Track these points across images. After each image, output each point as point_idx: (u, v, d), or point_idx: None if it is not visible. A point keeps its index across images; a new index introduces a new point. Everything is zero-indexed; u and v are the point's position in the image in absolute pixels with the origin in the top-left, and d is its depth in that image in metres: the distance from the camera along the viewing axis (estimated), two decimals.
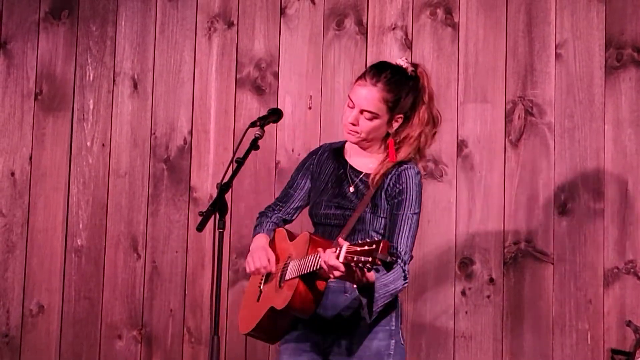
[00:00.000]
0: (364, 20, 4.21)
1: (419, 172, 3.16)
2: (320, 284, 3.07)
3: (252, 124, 3.21)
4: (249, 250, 3.26)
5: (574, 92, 3.97)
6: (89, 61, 4.53)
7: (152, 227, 4.36)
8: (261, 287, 3.26)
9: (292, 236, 3.25)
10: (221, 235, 2.99)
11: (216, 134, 4.34)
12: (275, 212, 3.36)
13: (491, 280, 3.98)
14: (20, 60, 4.60)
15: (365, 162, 3.22)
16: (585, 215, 3.92)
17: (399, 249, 3.07)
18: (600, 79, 3.96)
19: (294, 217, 3.38)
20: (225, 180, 3.10)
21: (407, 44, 4.15)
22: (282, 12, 4.31)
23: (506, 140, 4.02)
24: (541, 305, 3.92)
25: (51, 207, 4.49)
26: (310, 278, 3.05)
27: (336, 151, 3.29)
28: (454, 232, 4.03)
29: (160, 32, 4.46)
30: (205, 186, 4.33)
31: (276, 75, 4.29)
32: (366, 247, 2.83)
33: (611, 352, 3.84)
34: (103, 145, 4.47)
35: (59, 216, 4.47)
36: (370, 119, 3.13)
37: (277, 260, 3.23)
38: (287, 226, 3.33)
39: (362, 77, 3.17)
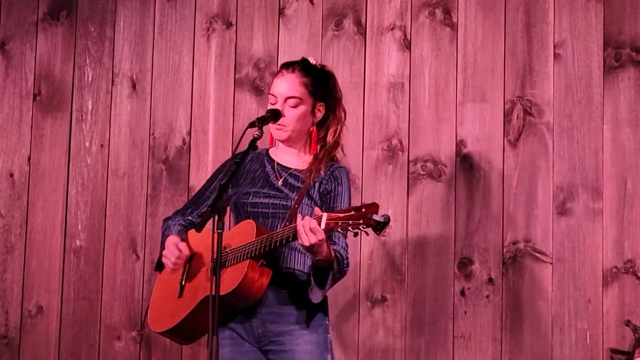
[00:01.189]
0: (363, 21, 4.21)
1: (348, 173, 3.29)
2: (267, 271, 3.08)
3: (251, 125, 3.22)
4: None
5: (572, 92, 3.98)
6: (88, 62, 4.52)
7: (151, 228, 4.36)
8: (183, 283, 3.24)
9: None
10: (220, 235, 2.99)
11: (215, 134, 4.34)
12: (186, 215, 3.38)
13: (490, 280, 3.98)
14: (18, 60, 4.60)
15: (292, 159, 3.30)
16: (584, 215, 3.92)
17: (339, 244, 3.15)
18: (599, 78, 3.96)
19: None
20: (224, 180, 3.10)
21: (406, 44, 4.15)
22: (281, 12, 4.31)
23: (505, 140, 4.03)
24: (540, 305, 3.92)
25: (50, 208, 4.49)
26: (260, 262, 3.06)
27: (261, 153, 3.34)
28: (453, 232, 4.03)
29: (159, 32, 4.46)
30: None
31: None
32: (353, 212, 2.87)
33: (610, 351, 3.84)
34: (102, 145, 4.47)
35: (58, 217, 4.47)
36: (295, 106, 3.23)
37: (194, 260, 3.23)
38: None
39: (276, 74, 3.32)
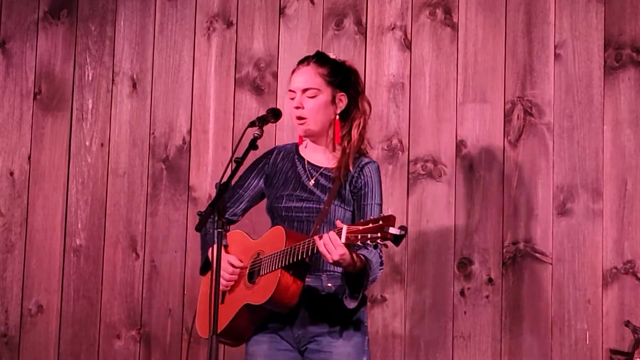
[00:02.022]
0: (363, 20, 4.21)
1: (378, 167, 3.28)
2: (301, 278, 3.09)
3: (251, 124, 3.22)
4: (206, 262, 3.30)
5: (573, 92, 3.97)
6: (88, 61, 4.53)
7: (151, 227, 4.36)
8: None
9: (251, 235, 3.28)
10: (220, 234, 2.99)
11: (215, 133, 4.34)
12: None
13: (490, 280, 3.98)
14: (19, 59, 4.60)
15: (321, 157, 3.28)
16: (584, 215, 3.92)
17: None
18: (599, 79, 3.96)
19: (239, 218, 3.42)
20: (224, 180, 3.10)
21: (406, 44, 4.15)
22: (281, 12, 4.31)
23: (505, 140, 4.03)
24: (540, 305, 3.93)
25: (50, 207, 4.49)
26: (292, 270, 3.07)
27: (290, 151, 3.33)
28: (453, 232, 4.03)
29: (160, 31, 4.46)
30: (204, 186, 4.33)
31: (275, 75, 4.29)
32: (371, 225, 2.87)
33: (610, 352, 3.84)
34: (102, 144, 4.47)
35: (58, 216, 4.47)
36: (314, 96, 3.23)
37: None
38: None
39: (294, 69, 3.32)
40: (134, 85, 4.46)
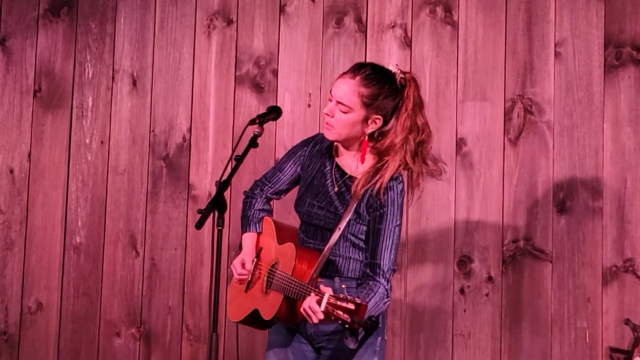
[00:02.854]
0: (364, 18, 4.21)
1: (403, 189, 3.14)
2: (300, 301, 3.11)
3: (251, 122, 3.22)
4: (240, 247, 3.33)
5: (573, 90, 3.98)
6: (88, 58, 4.52)
7: (151, 225, 4.36)
8: (250, 278, 3.30)
9: (279, 232, 3.28)
10: (220, 232, 3.00)
11: (215, 131, 4.34)
12: (264, 191, 3.39)
13: (490, 278, 3.98)
14: (19, 57, 4.60)
15: (350, 163, 3.23)
16: (583, 213, 3.92)
17: (381, 265, 3.10)
18: (599, 77, 3.96)
19: (280, 197, 3.42)
20: (224, 177, 3.10)
21: (407, 42, 4.15)
22: (282, 9, 4.31)
23: (505, 138, 4.03)
24: (540, 303, 3.93)
25: (50, 205, 4.49)
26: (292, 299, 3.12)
27: (327, 147, 3.30)
28: (453, 230, 4.03)
29: (160, 29, 4.46)
30: (204, 184, 4.33)
31: (275, 73, 4.29)
32: (345, 305, 2.87)
33: (609, 350, 3.84)
34: (102, 142, 4.47)
35: (58, 213, 4.47)
36: (345, 112, 3.13)
37: (261, 256, 3.27)
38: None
39: (344, 72, 3.19)
40: (134, 83, 4.46)
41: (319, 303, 2.91)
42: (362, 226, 3.16)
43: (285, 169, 3.36)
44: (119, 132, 4.46)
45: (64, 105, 4.53)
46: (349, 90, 3.13)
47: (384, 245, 3.11)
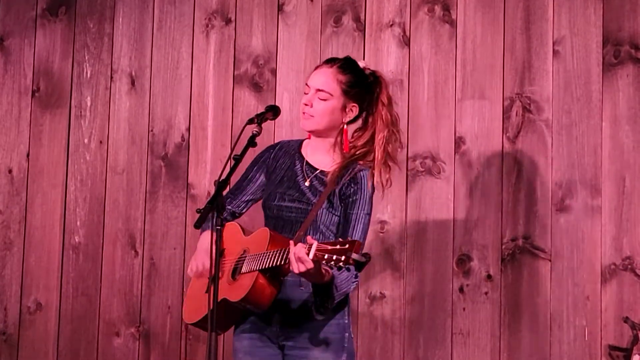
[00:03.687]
0: (362, 17, 4.21)
1: (373, 183, 3.21)
2: (277, 281, 3.12)
3: (250, 121, 3.22)
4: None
5: (571, 88, 3.98)
6: (87, 58, 4.52)
7: (150, 224, 4.36)
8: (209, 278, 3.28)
9: (246, 231, 3.28)
10: (219, 232, 2.99)
11: (214, 130, 4.34)
12: (231, 206, 3.39)
13: (489, 276, 3.99)
14: (17, 57, 4.60)
15: (321, 159, 3.28)
16: (582, 211, 3.92)
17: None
18: (598, 75, 3.96)
19: (243, 211, 3.42)
20: (223, 177, 3.10)
21: (405, 41, 4.15)
22: (280, 8, 4.31)
23: (504, 136, 4.03)
24: (539, 301, 3.93)
25: (49, 204, 4.49)
26: (268, 273, 3.09)
27: (294, 147, 3.33)
28: (452, 229, 4.03)
29: (158, 28, 4.45)
30: (203, 183, 4.33)
31: (274, 72, 4.29)
32: (338, 247, 2.87)
33: (608, 348, 3.84)
34: (100, 142, 4.47)
35: (57, 213, 4.47)
36: (324, 99, 3.22)
37: (224, 255, 3.26)
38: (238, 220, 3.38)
39: (319, 65, 3.31)
40: (133, 83, 4.46)
41: (307, 253, 2.91)
42: (334, 216, 3.19)
43: (250, 177, 3.37)
44: (117, 132, 4.46)
45: (63, 105, 4.53)
46: (327, 77, 3.23)
47: (355, 230, 3.16)
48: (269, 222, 3.27)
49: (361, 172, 3.21)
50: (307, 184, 3.25)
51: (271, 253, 3.07)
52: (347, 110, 3.25)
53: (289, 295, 3.17)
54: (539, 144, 3.98)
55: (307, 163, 3.29)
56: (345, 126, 3.26)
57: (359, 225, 3.17)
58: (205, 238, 3.30)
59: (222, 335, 4.12)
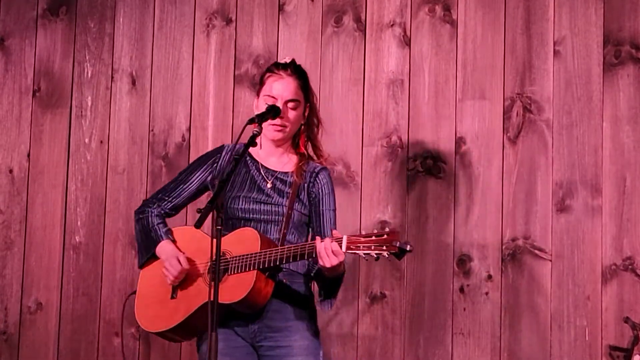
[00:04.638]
0: (363, 17, 4.21)
1: (329, 174, 3.35)
2: (273, 281, 3.15)
3: (250, 121, 3.22)
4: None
5: (572, 89, 3.98)
6: (87, 58, 4.52)
7: None
8: (177, 283, 3.27)
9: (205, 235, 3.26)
10: (219, 231, 2.99)
11: (214, 130, 4.34)
12: (161, 208, 3.39)
13: (489, 277, 3.98)
14: (18, 57, 4.60)
15: (276, 161, 3.34)
16: (583, 212, 3.92)
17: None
18: (599, 75, 3.96)
19: (178, 212, 3.44)
20: (223, 177, 3.10)
21: (406, 41, 4.15)
22: (281, 8, 4.31)
23: (504, 137, 4.03)
24: (539, 302, 3.93)
25: (49, 204, 4.49)
26: (267, 273, 3.12)
27: (241, 153, 3.31)
28: (452, 229, 4.03)
29: (159, 28, 4.45)
30: None
31: None
32: (374, 238, 2.96)
33: (609, 348, 3.84)
34: (101, 142, 4.47)
35: (57, 213, 4.47)
36: (295, 108, 3.30)
37: (190, 256, 3.26)
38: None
39: (271, 73, 3.32)
40: (133, 82, 4.46)
41: (340, 244, 2.99)
42: (302, 215, 3.26)
43: (192, 180, 3.37)
44: (118, 132, 4.46)
45: (63, 104, 4.53)
46: (293, 86, 3.30)
47: (329, 224, 3.26)
48: (232, 224, 3.27)
49: (322, 172, 3.31)
50: (269, 185, 3.28)
51: (277, 251, 3.09)
52: (305, 112, 3.34)
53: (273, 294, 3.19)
54: (540, 144, 3.98)
55: (264, 166, 3.33)
56: (302, 126, 3.34)
57: (331, 220, 3.28)
58: (164, 247, 3.31)
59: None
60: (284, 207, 3.24)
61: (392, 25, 4.17)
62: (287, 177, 3.29)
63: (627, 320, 3.79)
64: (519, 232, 3.97)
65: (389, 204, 4.08)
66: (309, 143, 3.37)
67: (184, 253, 3.28)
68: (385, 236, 2.95)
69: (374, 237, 2.96)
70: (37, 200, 4.51)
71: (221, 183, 3.05)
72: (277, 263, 3.09)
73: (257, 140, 3.18)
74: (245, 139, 3.17)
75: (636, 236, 3.87)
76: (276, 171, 3.32)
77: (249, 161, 3.35)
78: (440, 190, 4.05)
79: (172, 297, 3.27)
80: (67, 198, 4.48)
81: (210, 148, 4.32)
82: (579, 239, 3.92)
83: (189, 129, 4.37)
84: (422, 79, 4.11)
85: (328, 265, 3.02)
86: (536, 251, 3.95)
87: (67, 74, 4.54)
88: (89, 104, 4.50)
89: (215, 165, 3.38)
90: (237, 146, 3.29)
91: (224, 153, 3.40)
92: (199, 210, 3.02)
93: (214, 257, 2.93)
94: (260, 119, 3.23)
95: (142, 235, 3.38)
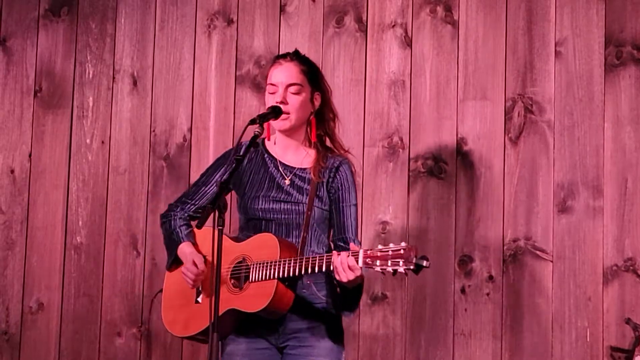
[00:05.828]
0: (364, 18, 4.21)
1: (351, 166, 3.30)
2: (294, 288, 3.13)
3: (252, 122, 3.22)
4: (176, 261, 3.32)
5: (573, 89, 3.98)
6: (89, 58, 4.53)
7: (152, 225, 4.36)
8: (199, 289, 3.25)
9: (233, 237, 3.25)
10: (221, 232, 2.99)
11: (216, 131, 4.34)
12: (185, 211, 3.37)
13: (490, 277, 3.98)
14: (19, 57, 4.60)
15: (293, 157, 3.29)
16: (584, 212, 3.92)
17: (355, 239, 3.20)
18: (600, 76, 3.96)
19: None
20: (225, 177, 3.10)
21: (407, 42, 4.15)
22: (282, 9, 4.31)
23: (506, 137, 4.03)
24: (540, 302, 3.93)
25: (51, 205, 4.49)
26: (287, 281, 3.09)
27: (260, 153, 3.32)
28: (454, 230, 4.03)
29: (160, 29, 4.46)
30: None
31: None
32: (390, 252, 2.90)
33: (610, 349, 3.84)
34: (102, 142, 4.48)
35: (59, 213, 4.47)
36: (297, 92, 3.24)
37: (207, 262, 3.23)
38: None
39: (273, 63, 3.31)
40: (135, 83, 4.46)
41: (356, 259, 2.95)
42: (323, 212, 3.22)
43: (212, 181, 3.35)
44: (119, 132, 4.46)
45: (65, 105, 4.53)
46: (293, 70, 3.26)
47: (351, 220, 3.22)
48: (254, 225, 3.25)
49: (343, 166, 3.26)
50: (287, 182, 3.25)
51: (296, 262, 3.06)
52: (313, 100, 3.29)
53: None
54: (541, 144, 3.98)
55: (282, 163, 3.29)
56: (312, 116, 3.29)
57: (352, 216, 3.23)
58: (184, 249, 3.29)
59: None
60: (304, 205, 3.21)
61: (393, 26, 4.17)
62: (306, 173, 3.26)
63: (628, 321, 3.79)
64: (520, 233, 3.97)
65: (390, 205, 4.08)
66: (327, 138, 3.32)
67: (205, 256, 3.26)
68: (402, 251, 2.89)
69: (390, 252, 2.90)
70: (39, 200, 4.51)
71: (222, 184, 3.05)
72: (296, 274, 3.07)
73: (259, 139, 3.18)
74: (246, 138, 3.17)
75: (637, 237, 3.87)
76: (294, 167, 3.28)
77: (267, 159, 3.31)
78: (442, 191, 4.05)
79: (196, 302, 3.25)
80: (69, 198, 4.48)
81: (211, 149, 4.33)
82: (581, 239, 3.92)
83: (190, 130, 4.37)
84: (423, 80, 4.12)
85: (344, 279, 3.00)
86: (537, 252, 3.95)
87: (68, 75, 4.54)
88: (91, 104, 4.51)
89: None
90: (240, 146, 3.29)
91: (242, 152, 3.36)
92: (198, 211, 3.02)
93: (219, 258, 2.92)
94: (261, 119, 3.22)
95: (166, 239, 3.38)
